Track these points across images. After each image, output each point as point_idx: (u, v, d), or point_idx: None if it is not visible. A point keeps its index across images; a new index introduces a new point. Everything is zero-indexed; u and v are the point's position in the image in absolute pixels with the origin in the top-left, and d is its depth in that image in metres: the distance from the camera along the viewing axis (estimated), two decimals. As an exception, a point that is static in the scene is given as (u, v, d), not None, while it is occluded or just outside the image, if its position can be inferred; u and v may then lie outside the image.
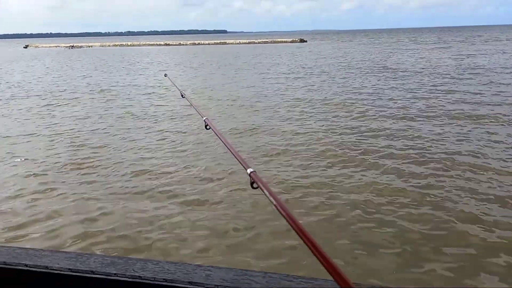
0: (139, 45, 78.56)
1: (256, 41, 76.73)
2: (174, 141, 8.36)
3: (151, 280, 0.86)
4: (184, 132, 9.14)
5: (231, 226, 4.68)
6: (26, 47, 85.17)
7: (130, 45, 79.27)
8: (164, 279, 0.86)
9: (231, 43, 75.83)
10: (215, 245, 4.28)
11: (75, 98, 14.46)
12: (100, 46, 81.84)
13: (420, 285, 3.56)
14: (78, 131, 9.43)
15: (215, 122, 10.42)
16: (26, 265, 0.93)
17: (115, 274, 0.89)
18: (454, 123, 8.94)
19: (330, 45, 56.06)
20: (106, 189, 5.85)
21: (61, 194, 5.69)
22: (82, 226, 4.73)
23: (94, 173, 6.56)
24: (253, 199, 5.21)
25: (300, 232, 0.68)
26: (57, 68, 28.85)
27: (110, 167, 6.80)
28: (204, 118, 1.79)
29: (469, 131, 8.25)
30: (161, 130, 9.34)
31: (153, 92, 15.32)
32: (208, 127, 1.68)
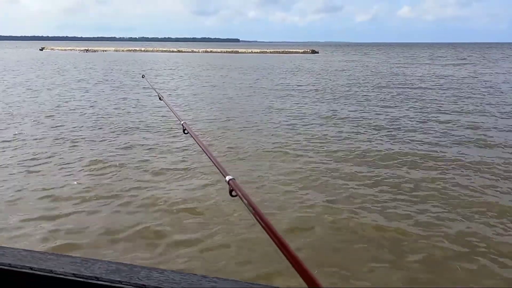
0: (152, 51, 79.44)
1: (267, 50, 77.09)
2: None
3: None
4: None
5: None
6: (42, 49, 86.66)
7: (144, 51, 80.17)
8: None
9: (243, 52, 76.28)
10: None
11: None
12: (114, 50, 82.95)
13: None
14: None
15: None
16: (31, 268, 0.92)
17: (119, 281, 0.88)
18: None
19: (342, 57, 56.03)
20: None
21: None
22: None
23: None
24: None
25: (279, 242, 0.66)
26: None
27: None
28: (182, 122, 1.71)
29: None
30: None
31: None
32: (186, 131, 1.61)
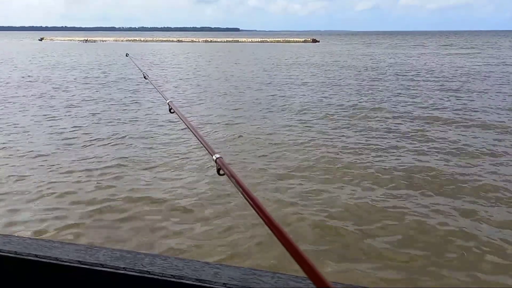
0: (152, 41, 79.02)
1: (268, 40, 76.64)
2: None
3: (159, 276, 0.86)
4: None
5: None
6: (41, 39, 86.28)
7: (144, 41, 79.76)
8: (172, 275, 0.86)
9: (244, 41, 75.86)
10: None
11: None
12: (113, 40, 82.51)
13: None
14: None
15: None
16: (37, 256, 0.94)
17: (123, 268, 0.90)
18: None
19: (345, 45, 55.65)
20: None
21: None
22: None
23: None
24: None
25: (269, 222, 0.64)
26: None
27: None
28: (167, 101, 1.65)
29: None
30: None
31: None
32: (172, 110, 1.56)
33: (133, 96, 13.58)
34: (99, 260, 0.92)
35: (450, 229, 4.52)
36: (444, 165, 6.55)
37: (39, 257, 0.94)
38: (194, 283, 0.84)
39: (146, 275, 0.87)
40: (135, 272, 0.88)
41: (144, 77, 2.83)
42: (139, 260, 0.93)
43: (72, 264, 0.92)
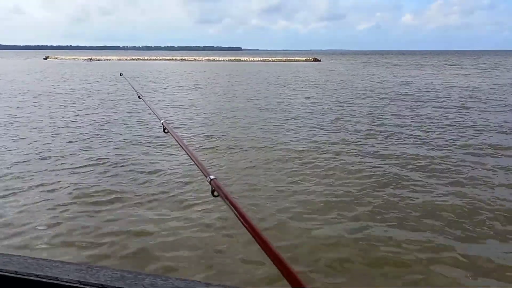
0: (155, 60, 79.99)
1: (270, 59, 77.49)
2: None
3: None
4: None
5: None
6: (46, 58, 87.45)
7: (147, 60, 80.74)
8: None
9: (245, 60, 76.72)
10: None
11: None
12: (117, 59, 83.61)
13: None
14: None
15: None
16: (37, 276, 0.93)
17: None
18: None
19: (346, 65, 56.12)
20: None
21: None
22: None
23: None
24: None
25: (263, 243, 0.63)
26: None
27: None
28: (161, 121, 1.65)
29: None
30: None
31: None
32: (166, 130, 1.56)
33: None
34: (99, 280, 0.91)
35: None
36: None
37: (39, 277, 0.93)
38: (195, 304, 0.83)
39: None
40: None
41: (138, 96, 2.81)
42: (140, 280, 0.92)
43: (72, 284, 0.91)
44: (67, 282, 0.91)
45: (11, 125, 11.43)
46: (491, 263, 4.15)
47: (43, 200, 5.82)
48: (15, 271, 0.94)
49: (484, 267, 4.06)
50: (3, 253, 1.05)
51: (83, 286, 0.90)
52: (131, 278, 0.93)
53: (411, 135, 10.08)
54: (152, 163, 7.75)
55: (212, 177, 0.89)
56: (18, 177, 6.81)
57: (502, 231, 4.88)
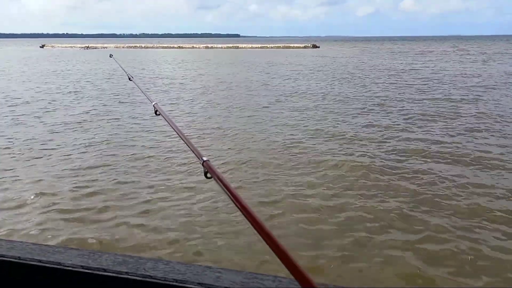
0: (152, 48, 79.25)
1: (268, 46, 76.86)
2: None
3: (161, 280, 0.87)
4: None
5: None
6: (42, 46, 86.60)
7: (144, 47, 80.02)
8: (174, 279, 0.87)
9: (244, 48, 76.10)
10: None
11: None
12: (114, 47, 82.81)
13: None
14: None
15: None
16: (40, 261, 0.95)
17: (126, 272, 0.90)
18: None
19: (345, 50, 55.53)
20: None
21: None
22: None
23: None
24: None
25: (257, 225, 0.63)
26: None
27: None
28: (153, 103, 1.61)
29: None
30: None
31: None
32: (158, 112, 1.51)
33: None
34: (101, 264, 0.93)
35: None
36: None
37: (42, 262, 0.94)
38: (196, 287, 0.85)
39: (148, 280, 0.88)
40: (138, 276, 0.89)
41: (129, 78, 2.76)
42: (142, 264, 0.93)
43: (75, 269, 0.92)
44: (69, 267, 0.93)
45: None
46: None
47: (31, 183, 6.03)
48: (19, 257, 0.96)
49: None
50: (6, 239, 1.06)
51: (85, 271, 0.92)
52: (133, 263, 0.94)
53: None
54: (143, 146, 7.90)
55: (205, 158, 0.87)
56: None
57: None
